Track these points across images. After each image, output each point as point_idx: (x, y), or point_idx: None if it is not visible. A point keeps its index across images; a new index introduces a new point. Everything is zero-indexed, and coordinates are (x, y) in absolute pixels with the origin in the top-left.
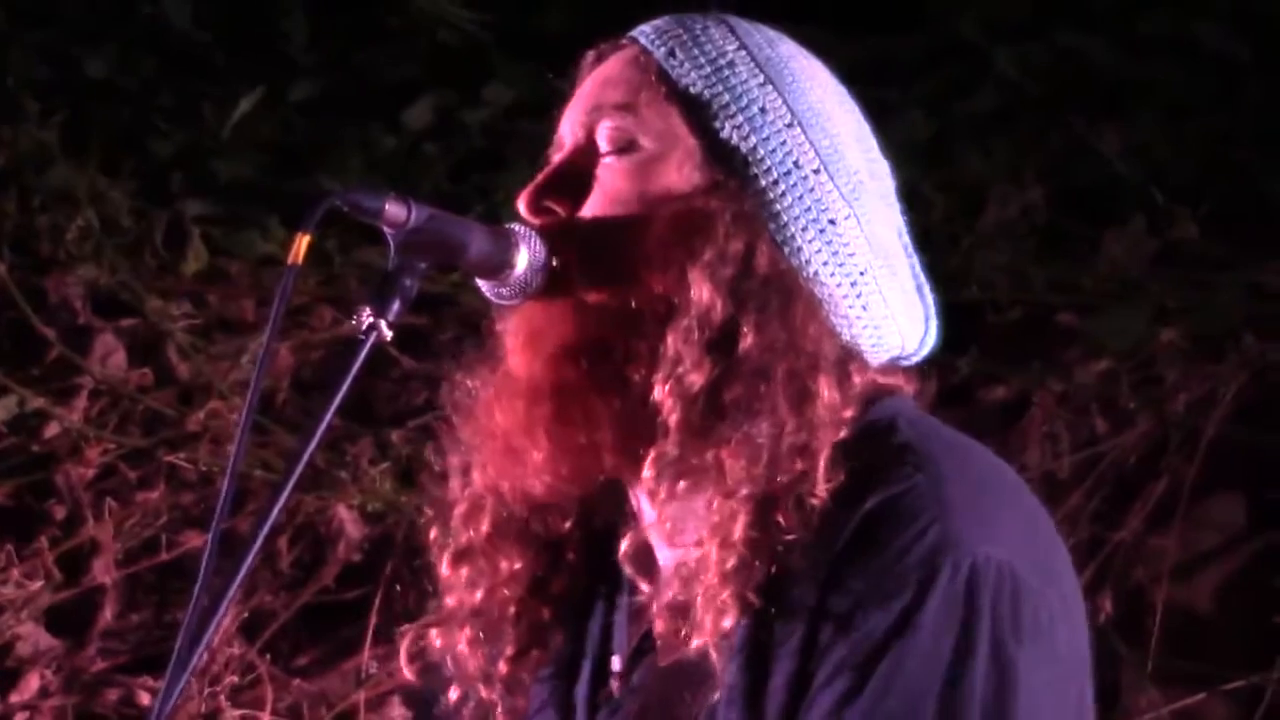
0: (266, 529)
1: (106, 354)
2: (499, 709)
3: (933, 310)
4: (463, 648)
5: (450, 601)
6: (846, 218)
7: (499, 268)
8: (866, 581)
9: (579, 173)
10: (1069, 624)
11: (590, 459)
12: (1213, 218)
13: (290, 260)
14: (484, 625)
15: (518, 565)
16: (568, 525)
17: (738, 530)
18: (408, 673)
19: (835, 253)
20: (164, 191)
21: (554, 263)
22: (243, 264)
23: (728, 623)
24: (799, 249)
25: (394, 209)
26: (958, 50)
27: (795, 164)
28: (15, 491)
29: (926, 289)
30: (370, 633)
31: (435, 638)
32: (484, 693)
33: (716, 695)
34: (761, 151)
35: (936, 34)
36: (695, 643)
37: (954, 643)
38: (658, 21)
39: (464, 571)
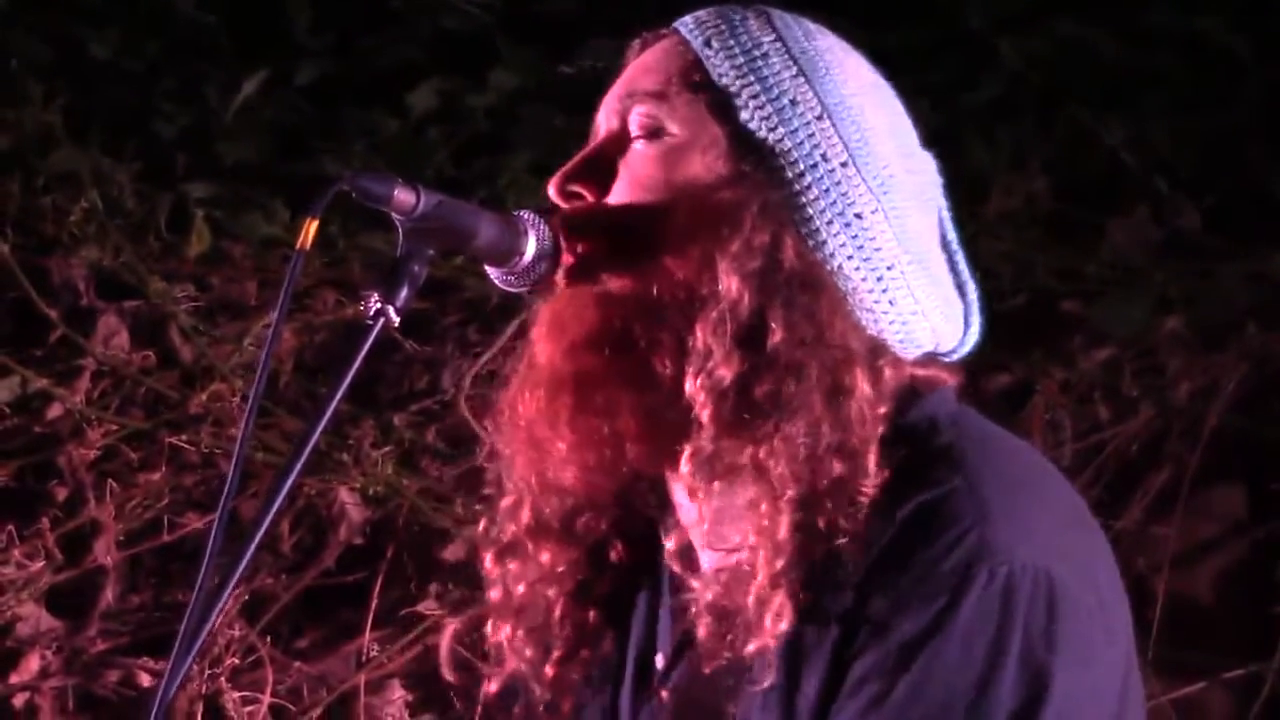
0: (272, 514)
1: (109, 335)
2: (541, 709)
3: (975, 307)
4: (514, 644)
5: (494, 596)
6: (874, 212)
7: (507, 255)
8: (902, 586)
9: (609, 158)
10: (1106, 621)
11: (614, 449)
12: (1216, 207)
13: (299, 245)
14: (528, 622)
15: (560, 565)
16: (605, 525)
17: (783, 531)
18: (448, 674)
19: (861, 247)
20: (168, 174)
21: (576, 249)
22: (246, 247)
23: (784, 625)
24: (824, 242)
25: (403, 195)
26: (962, 40)
27: (823, 156)
28: (17, 472)
29: (970, 286)
30: (371, 616)
31: (490, 632)
32: (531, 690)
33: (759, 689)
34: (789, 144)
35: (941, 24)
36: (751, 646)
37: (986, 650)
38: (700, 13)
39: (509, 566)
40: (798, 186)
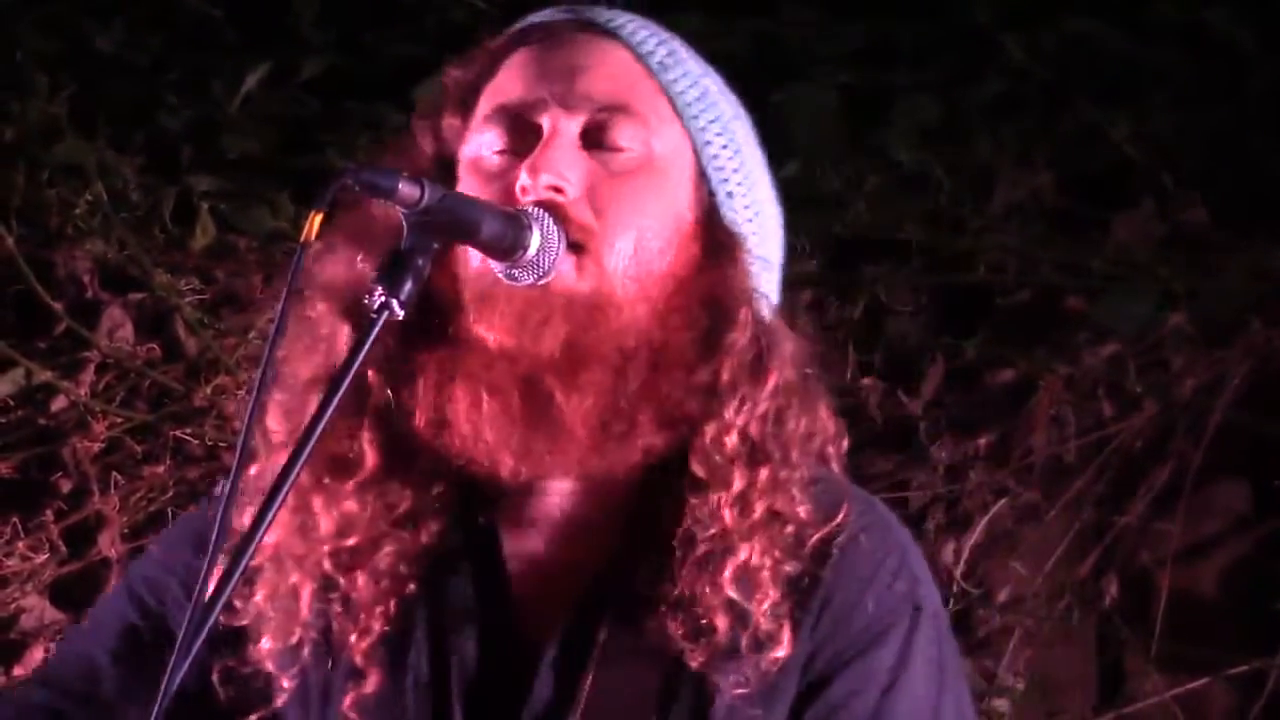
0: (275, 510)
1: (114, 328)
2: (345, 692)
3: None
4: (292, 588)
5: (269, 540)
6: (779, 262)
7: (511, 249)
8: (861, 612)
9: (594, 161)
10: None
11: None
12: (1221, 203)
13: (303, 238)
14: (322, 573)
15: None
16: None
17: (778, 553)
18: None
19: (776, 290)
20: (173, 167)
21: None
22: (251, 240)
23: (781, 651)
24: (767, 288)
25: (407, 188)
26: (967, 35)
27: (758, 203)
28: (21, 464)
29: None
30: None
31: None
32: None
33: (740, 690)
34: (745, 188)
35: (946, 19)
36: (778, 653)
37: (937, 669)
38: (636, 24)
39: (305, 516)
40: (745, 228)
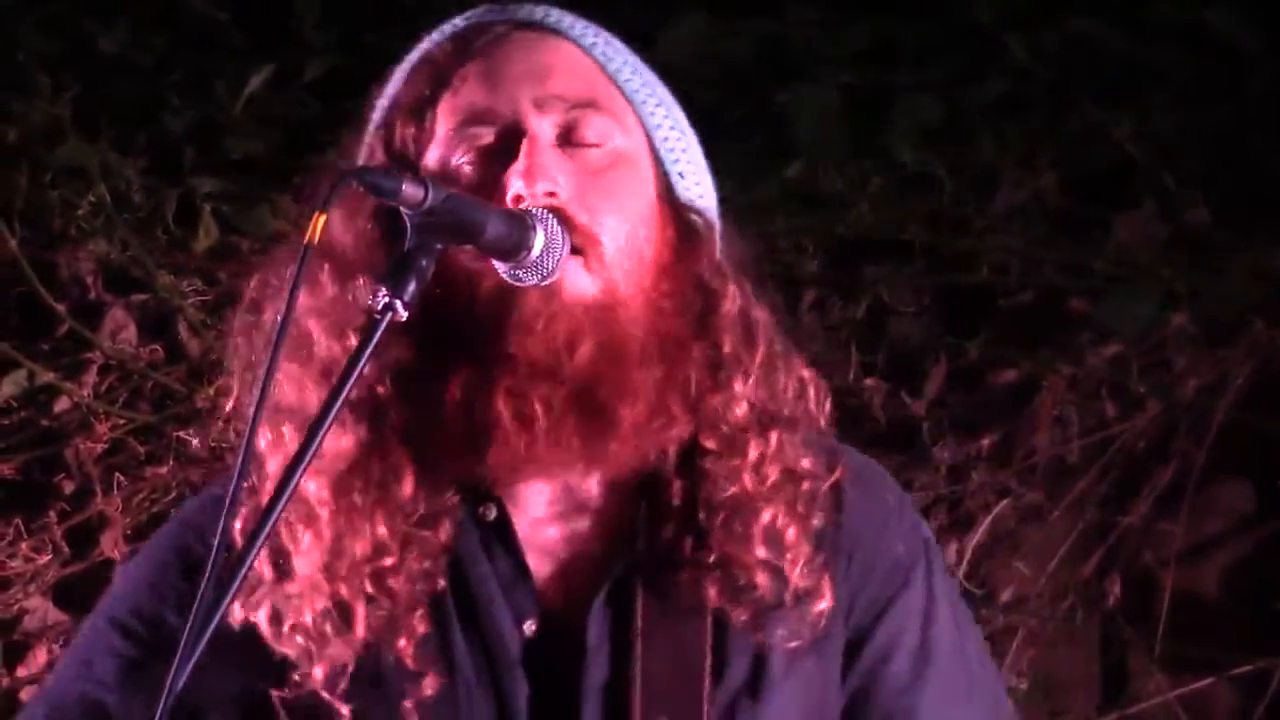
0: (279, 510)
1: (117, 329)
2: (404, 698)
3: None
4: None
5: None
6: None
7: (515, 249)
8: (886, 555)
9: (557, 157)
10: None
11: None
12: (1223, 203)
13: (307, 239)
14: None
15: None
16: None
17: (800, 509)
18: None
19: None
20: (176, 168)
21: (578, 267)
22: (254, 241)
23: (824, 604)
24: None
25: (411, 189)
26: (970, 36)
27: (705, 180)
28: (24, 466)
29: None
30: None
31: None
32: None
33: (793, 643)
34: (693, 167)
35: (949, 19)
36: (821, 606)
37: (951, 592)
38: (574, 21)
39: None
40: (700, 205)
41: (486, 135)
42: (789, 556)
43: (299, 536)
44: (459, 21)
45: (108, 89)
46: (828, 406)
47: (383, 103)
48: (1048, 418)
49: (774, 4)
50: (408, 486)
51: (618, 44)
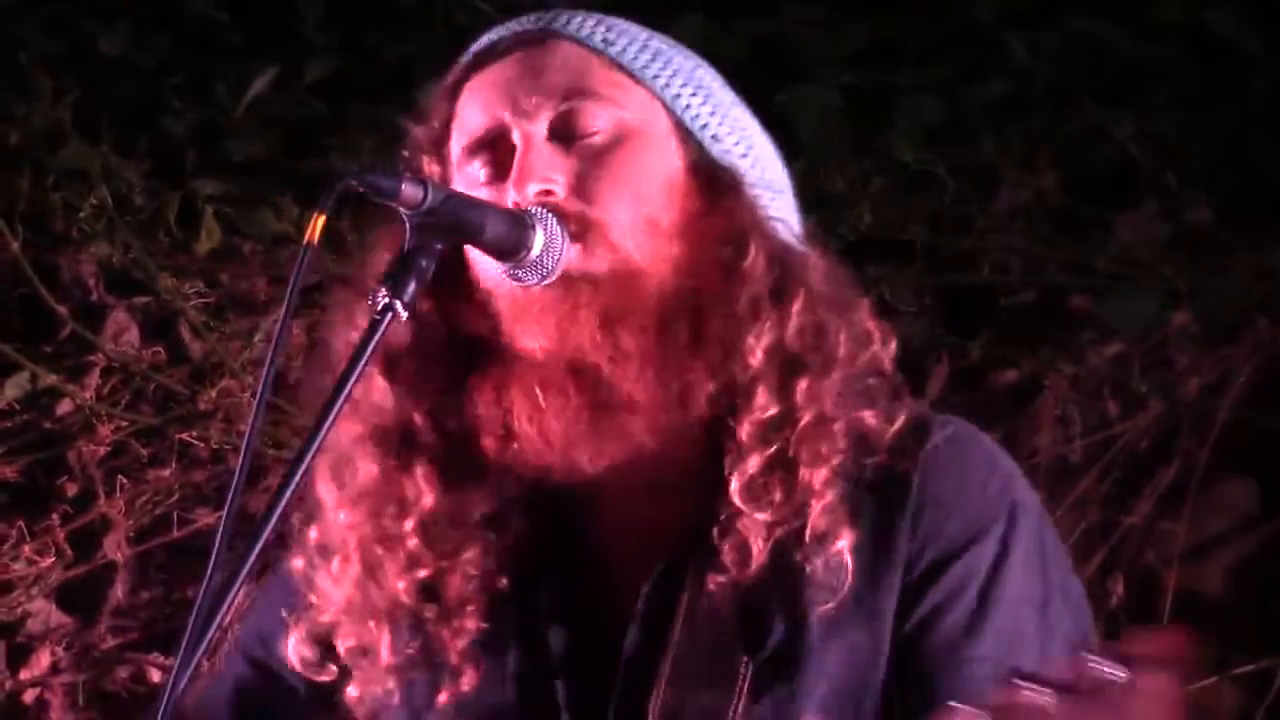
0: (281, 508)
1: (119, 332)
2: (440, 692)
3: None
4: (374, 639)
5: (339, 596)
6: (789, 185)
7: (514, 249)
8: (958, 515)
9: (571, 152)
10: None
11: (693, 407)
12: (1225, 202)
13: (305, 239)
14: (400, 618)
15: (447, 548)
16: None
17: (837, 459)
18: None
19: (794, 214)
20: (177, 170)
21: (580, 253)
22: (256, 243)
23: (844, 543)
24: (778, 217)
25: (410, 190)
26: (971, 35)
27: (746, 137)
28: (27, 468)
29: None
30: None
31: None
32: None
33: (830, 605)
34: (728, 127)
35: (950, 19)
36: (819, 561)
37: (1039, 562)
38: (568, 16)
39: (373, 570)
40: (742, 166)
41: (485, 155)
42: (811, 502)
43: (331, 567)
44: (474, 46)
45: (109, 91)
46: (891, 351)
47: (413, 139)
48: (1050, 417)
49: (773, 4)
50: (440, 501)
51: (624, 26)
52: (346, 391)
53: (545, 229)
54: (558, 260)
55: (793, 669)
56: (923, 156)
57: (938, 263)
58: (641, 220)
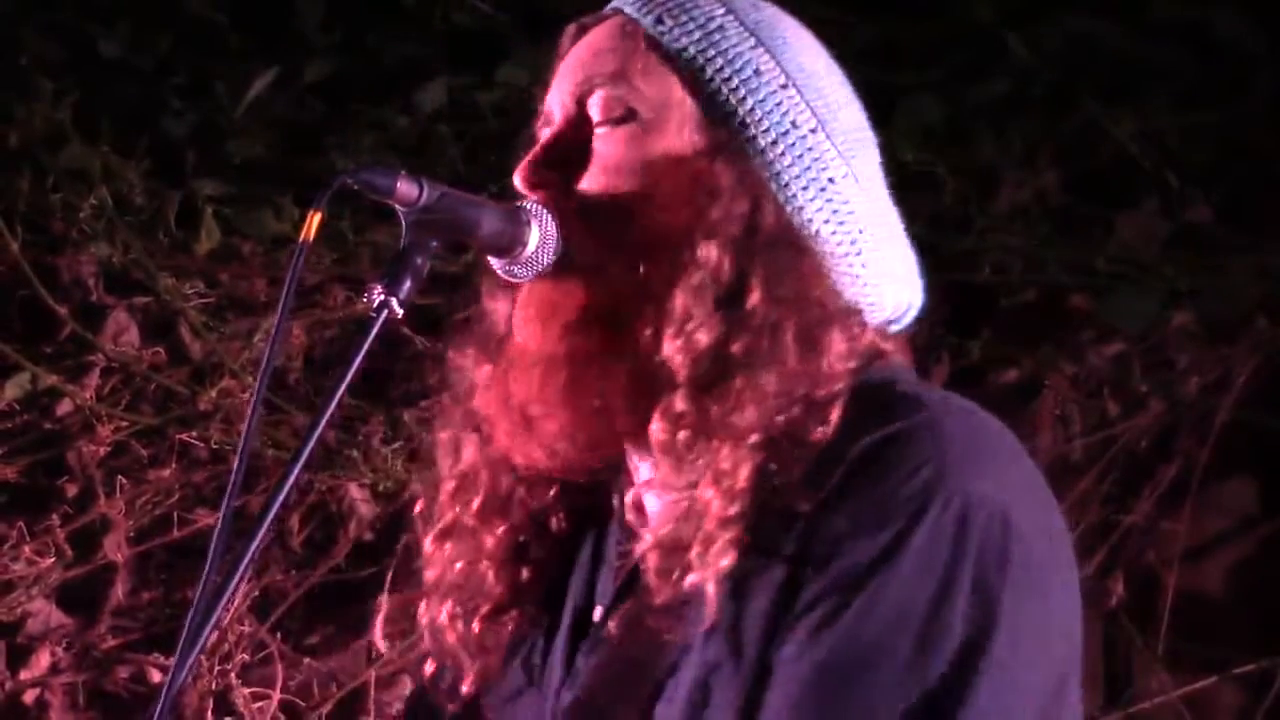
0: (277, 507)
1: (119, 332)
2: (469, 670)
3: (918, 271)
4: (443, 620)
5: (431, 575)
6: (844, 176)
7: (511, 245)
8: (855, 512)
9: (574, 145)
10: (1062, 581)
11: (605, 424)
12: (1226, 201)
13: (302, 238)
14: (461, 598)
15: (501, 540)
16: (552, 493)
17: (742, 479)
18: (380, 643)
19: (835, 210)
20: (177, 171)
21: (569, 236)
22: (256, 244)
23: (725, 562)
24: (800, 208)
25: (406, 187)
26: (971, 34)
27: (793, 124)
28: (27, 469)
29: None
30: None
31: (422, 612)
32: (461, 662)
33: (703, 627)
34: (759, 112)
35: (950, 18)
36: (691, 579)
37: (938, 576)
38: None
39: (449, 547)
40: (771, 155)
41: (542, 135)
42: (704, 522)
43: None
44: (585, 19)
45: (109, 92)
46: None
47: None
48: (1050, 417)
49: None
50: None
51: (687, 4)
52: (340, 392)
53: (540, 225)
54: (550, 256)
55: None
56: (922, 156)
57: (938, 262)
58: (624, 215)
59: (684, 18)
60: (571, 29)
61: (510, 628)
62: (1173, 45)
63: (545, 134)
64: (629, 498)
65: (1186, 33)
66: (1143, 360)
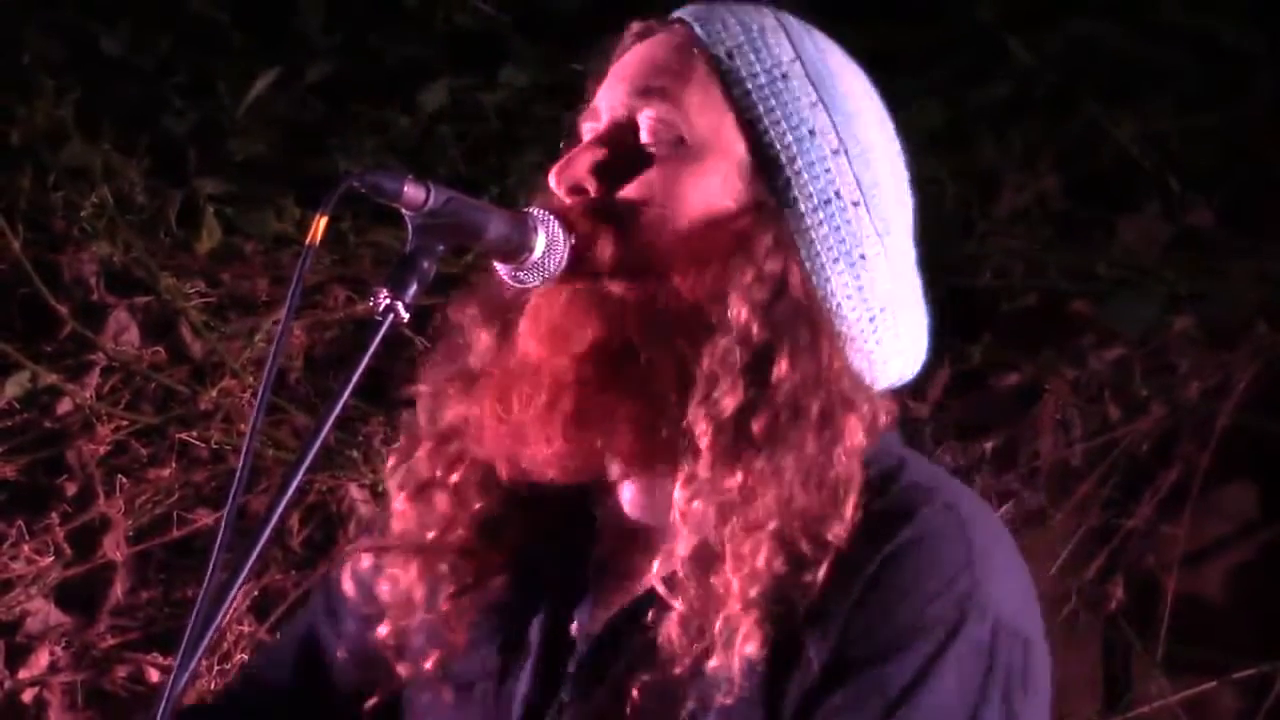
0: (281, 509)
1: (119, 331)
2: (431, 641)
3: (927, 337)
4: (410, 582)
5: (398, 529)
6: (876, 254)
7: (517, 251)
8: (891, 620)
9: (617, 154)
10: (1048, 666)
11: (600, 456)
12: (1227, 205)
13: (308, 241)
14: (428, 564)
15: (476, 508)
16: (527, 488)
17: (761, 560)
18: (348, 587)
19: (861, 287)
20: (179, 170)
21: (580, 245)
22: (257, 243)
23: (751, 649)
24: (827, 279)
25: (413, 191)
26: (972, 38)
27: (836, 193)
28: (26, 467)
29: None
30: None
31: (371, 564)
32: (420, 623)
33: (729, 700)
34: (805, 176)
35: (951, 21)
36: (715, 662)
37: (971, 701)
38: (714, 10)
39: (420, 508)
40: (809, 221)
41: (585, 130)
42: (726, 606)
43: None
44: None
45: (111, 90)
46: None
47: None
48: (1050, 421)
49: (779, 7)
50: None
51: (771, 40)
52: (345, 394)
53: (547, 231)
54: (558, 263)
55: None
56: (923, 160)
57: (939, 266)
58: (644, 245)
59: (752, 58)
60: (636, 27)
61: (474, 605)
62: (1174, 49)
63: (588, 131)
64: (616, 509)
65: (1188, 36)
66: (1143, 365)
